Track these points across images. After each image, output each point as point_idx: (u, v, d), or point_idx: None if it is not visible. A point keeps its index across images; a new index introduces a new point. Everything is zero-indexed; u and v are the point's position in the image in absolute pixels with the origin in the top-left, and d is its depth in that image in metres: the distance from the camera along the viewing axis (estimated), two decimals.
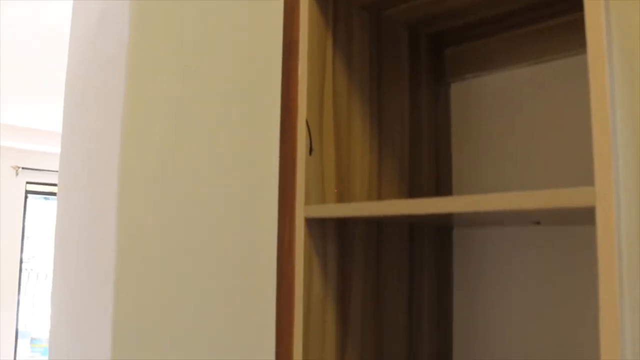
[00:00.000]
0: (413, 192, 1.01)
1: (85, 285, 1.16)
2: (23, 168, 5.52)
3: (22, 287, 5.74)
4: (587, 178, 0.93)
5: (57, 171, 5.87)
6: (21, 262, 5.69)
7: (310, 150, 0.83)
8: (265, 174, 1.25)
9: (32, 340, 5.97)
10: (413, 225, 1.01)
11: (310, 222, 0.83)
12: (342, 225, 0.88)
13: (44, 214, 6.05)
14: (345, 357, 0.88)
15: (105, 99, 1.16)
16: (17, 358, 5.64)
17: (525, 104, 1.02)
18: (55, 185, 5.89)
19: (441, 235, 1.08)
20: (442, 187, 1.08)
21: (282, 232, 1.25)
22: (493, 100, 1.06)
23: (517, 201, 0.59)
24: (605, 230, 0.53)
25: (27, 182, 5.65)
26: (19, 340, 5.73)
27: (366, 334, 0.91)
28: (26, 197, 5.72)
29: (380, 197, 0.95)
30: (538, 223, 0.88)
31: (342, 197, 0.88)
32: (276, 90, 1.28)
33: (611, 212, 0.53)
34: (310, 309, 0.83)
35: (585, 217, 0.80)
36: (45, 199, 6.06)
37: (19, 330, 5.73)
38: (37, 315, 6.04)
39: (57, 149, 5.53)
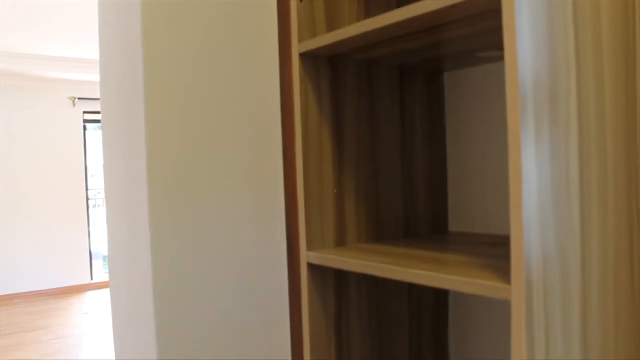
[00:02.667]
0: None
1: (129, 201, 1.40)
2: (79, 99, 5.84)
3: (90, 213, 6.25)
4: None
5: None
6: (87, 189, 6.16)
7: None
8: (265, 19, 1.47)
9: (105, 258, 6.56)
10: (404, 69, 1.15)
11: (304, 57, 0.99)
12: (335, 63, 1.03)
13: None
14: (344, 177, 1.05)
15: (128, 22, 1.35)
16: (93, 274, 6.24)
17: None
18: None
19: (432, 80, 1.21)
20: None
21: (283, 69, 1.44)
22: None
23: None
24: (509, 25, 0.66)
25: (85, 112, 5.99)
26: (93, 261, 6.33)
27: (362, 160, 1.08)
28: (85, 128, 6.10)
29: None
30: None
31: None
32: None
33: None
34: (308, 132, 1.00)
35: None
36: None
37: (92, 252, 6.31)
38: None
39: None
